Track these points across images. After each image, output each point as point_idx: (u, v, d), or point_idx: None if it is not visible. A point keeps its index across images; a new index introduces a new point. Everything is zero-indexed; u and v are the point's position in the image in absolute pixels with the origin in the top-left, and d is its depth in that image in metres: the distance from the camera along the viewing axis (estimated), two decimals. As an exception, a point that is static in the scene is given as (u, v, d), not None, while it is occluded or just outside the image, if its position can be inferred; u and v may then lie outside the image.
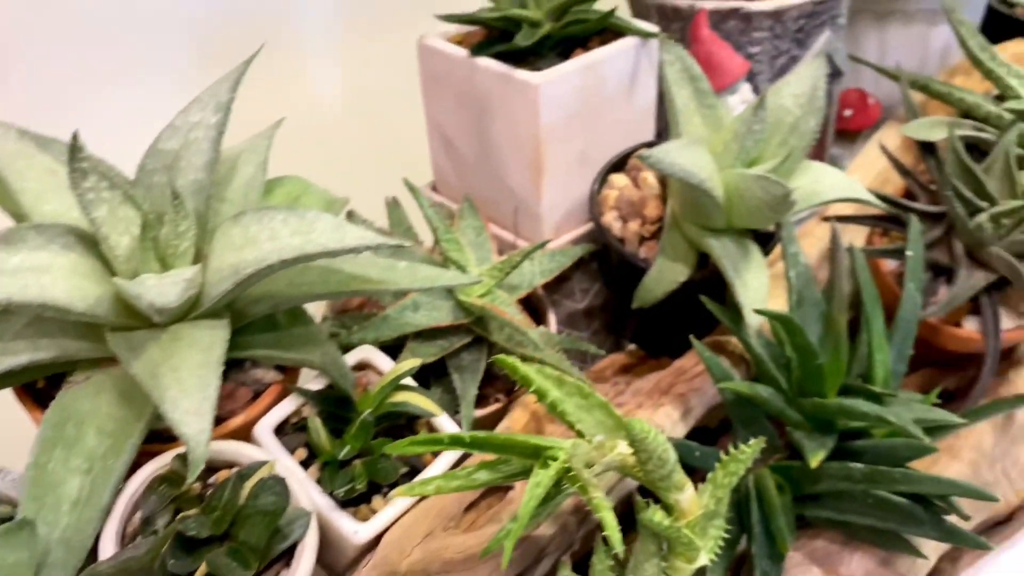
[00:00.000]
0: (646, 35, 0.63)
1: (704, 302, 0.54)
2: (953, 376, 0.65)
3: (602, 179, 0.62)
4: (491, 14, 0.60)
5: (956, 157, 0.58)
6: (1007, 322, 0.59)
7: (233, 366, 0.47)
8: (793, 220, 0.55)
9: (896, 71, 0.69)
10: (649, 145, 0.67)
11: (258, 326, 0.46)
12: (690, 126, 0.55)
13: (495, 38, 0.63)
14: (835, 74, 0.76)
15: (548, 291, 0.65)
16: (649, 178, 0.61)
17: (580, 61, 0.60)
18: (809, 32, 0.70)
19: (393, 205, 0.61)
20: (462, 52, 0.62)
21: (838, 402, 0.48)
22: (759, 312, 0.47)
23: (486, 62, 0.60)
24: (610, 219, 0.60)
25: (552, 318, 0.61)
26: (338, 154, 0.87)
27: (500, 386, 0.57)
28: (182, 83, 0.48)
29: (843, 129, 0.80)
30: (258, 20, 0.84)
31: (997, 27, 0.90)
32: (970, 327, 0.60)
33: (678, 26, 0.70)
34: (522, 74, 0.58)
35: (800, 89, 0.54)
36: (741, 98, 0.67)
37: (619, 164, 0.64)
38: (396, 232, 0.60)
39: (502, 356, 0.37)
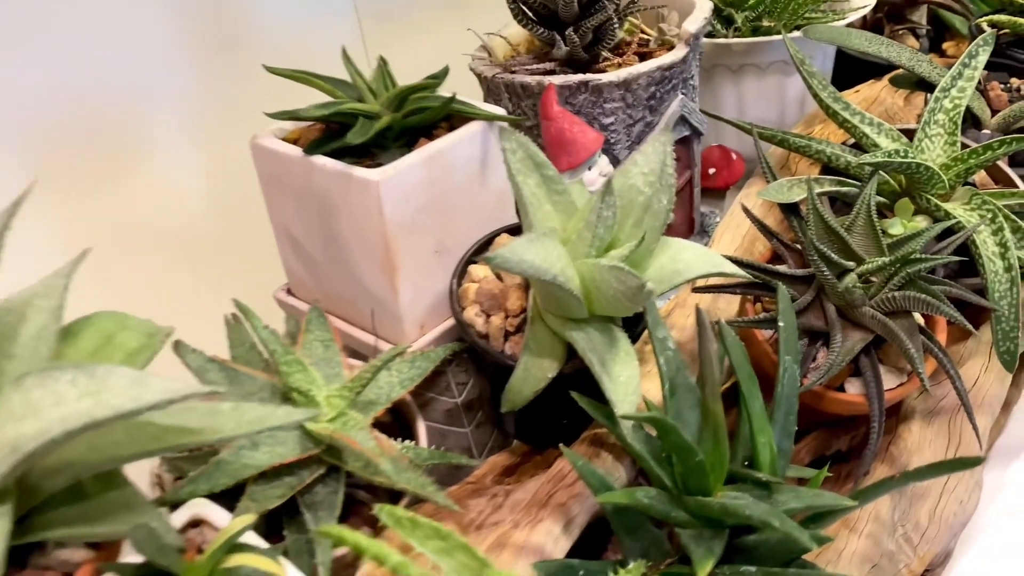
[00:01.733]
0: (491, 118, 0.60)
1: (576, 398, 0.51)
2: (846, 435, 0.63)
3: (461, 271, 0.58)
4: (323, 111, 0.56)
5: (818, 217, 0.57)
6: (889, 380, 0.57)
7: (32, 550, 0.41)
8: (659, 296, 0.52)
9: (748, 126, 0.68)
10: (511, 230, 0.64)
11: (60, 499, 0.40)
12: (540, 215, 0.51)
13: (334, 133, 0.59)
14: (695, 134, 0.74)
15: (423, 388, 0.60)
16: (510, 267, 0.57)
17: (422, 152, 0.56)
18: (661, 97, 0.68)
19: (233, 323, 0.56)
20: (297, 151, 0.57)
21: (721, 503, 0.45)
22: (625, 417, 0.43)
23: (323, 161, 0.56)
24: (471, 314, 0.56)
25: (421, 429, 0.57)
26: (194, 264, 0.81)
27: (366, 514, 0.52)
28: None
29: (709, 187, 0.79)
30: (106, 123, 0.77)
31: (849, 70, 0.92)
32: (853, 390, 0.58)
33: (529, 103, 0.68)
34: (361, 172, 0.54)
35: (649, 167, 0.52)
36: (599, 171, 0.64)
37: (478, 253, 0.60)
38: (237, 353, 0.55)
39: (325, 527, 0.32)
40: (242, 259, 0.73)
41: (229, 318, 0.57)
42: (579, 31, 0.66)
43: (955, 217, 0.62)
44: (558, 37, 0.67)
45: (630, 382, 0.49)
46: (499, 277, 0.58)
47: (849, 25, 0.83)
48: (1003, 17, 0.77)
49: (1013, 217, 0.63)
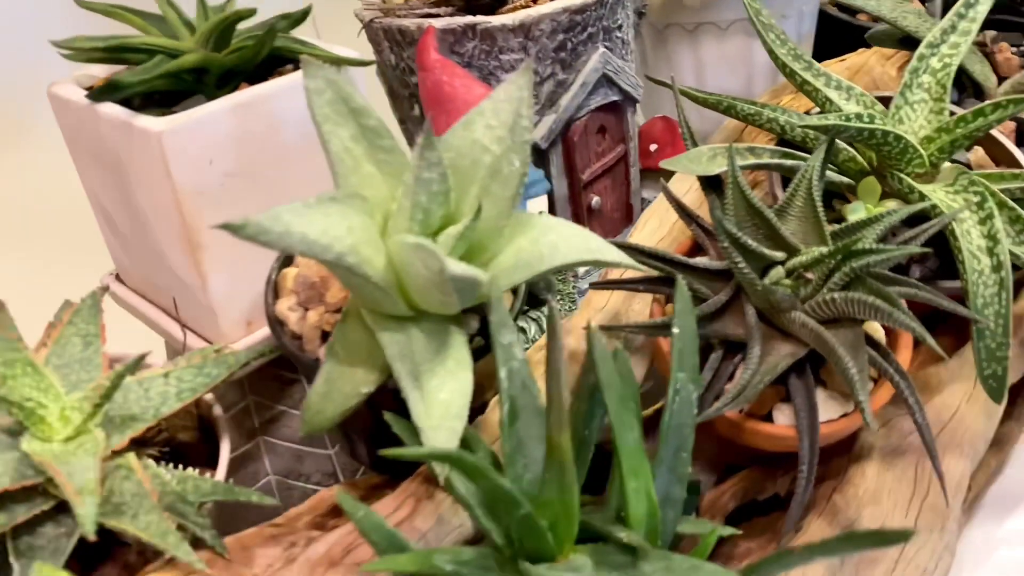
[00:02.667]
0: (336, 61, 0.48)
1: (389, 420, 0.38)
2: (785, 475, 0.50)
3: (285, 259, 0.46)
4: (102, 43, 0.44)
5: (738, 194, 0.43)
6: (832, 408, 0.44)
7: None
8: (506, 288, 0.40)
9: (669, 84, 0.54)
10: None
11: None
12: (355, 178, 0.39)
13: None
14: (627, 101, 0.61)
15: (272, 399, 0.48)
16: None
17: (231, 99, 0.44)
18: (576, 50, 0.55)
19: (-8, 310, 0.44)
20: (82, 97, 0.46)
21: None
22: (401, 456, 0.31)
23: (106, 108, 0.44)
24: (284, 308, 0.44)
25: (224, 452, 0.45)
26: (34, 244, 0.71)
27: (129, 560, 0.40)
28: None
29: (649, 168, 0.65)
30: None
31: (834, 36, 0.78)
32: (784, 419, 0.44)
33: (412, 52, 0.55)
34: (143, 120, 0.43)
35: (497, 119, 0.39)
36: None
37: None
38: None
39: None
40: (82, 240, 0.62)
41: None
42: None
43: (931, 200, 0.48)
44: (448, -28, 0.55)
45: (451, 402, 0.36)
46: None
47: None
48: (1015, -35, 0.63)
49: (1011, 204, 0.49)
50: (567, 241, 0.40)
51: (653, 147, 0.65)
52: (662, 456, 0.39)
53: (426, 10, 0.56)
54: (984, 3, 0.56)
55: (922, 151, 0.50)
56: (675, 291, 0.41)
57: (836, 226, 0.45)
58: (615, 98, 0.60)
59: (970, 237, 0.47)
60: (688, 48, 0.71)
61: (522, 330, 0.55)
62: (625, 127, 0.63)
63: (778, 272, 0.42)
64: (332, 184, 0.49)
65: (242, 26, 0.53)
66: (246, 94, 0.45)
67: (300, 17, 0.54)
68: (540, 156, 0.58)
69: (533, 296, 0.55)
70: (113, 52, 0.45)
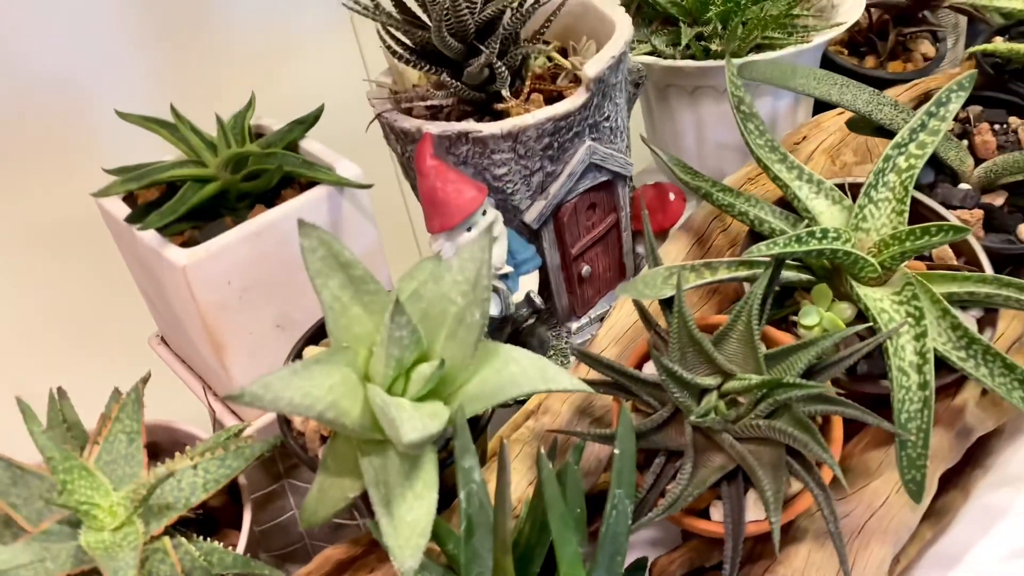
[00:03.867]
0: (337, 183, 0.54)
1: (370, 528, 0.46)
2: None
3: (297, 354, 0.54)
4: (144, 180, 0.51)
5: (681, 322, 0.49)
6: (760, 511, 0.50)
7: None
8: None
9: (663, 156, 0.59)
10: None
11: None
12: (344, 320, 0.46)
13: (172, 195, 0.54)
14: (618, 178, 0.66)
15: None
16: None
17: (244, 229, 0.51)
18: (563, 146, 0.60)
19: (54, 398, 0.53)
20: (122, 217, 0.53)
21: None
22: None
23: (140, 233, 0.52)
24: (292, 410, 0.51)
25: (246, 523, 0.53)
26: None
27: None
28: None
29: (640, 230, 0.70)
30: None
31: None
32: (718, 515, 0.51)
33: (412, 148, 0.61)
34: (171, 252, 0.50)
35: (463, 275, 0.45)
36: (478, 232, 0.58)
37: (324, 331, 0.55)
38: (53, 433, 0.52)
39: None
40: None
41: (54, 391, 0.54)
42: (468, 72, 0.58)
43: (873, 311, 0.53)
44: (447, 77, 0.60)
45: (417, 523, 0.44)
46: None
47: (828, 44, 0.72)
48: (1000, 46, 0.64)
49: (953, 312, 0.54)
50: (525, 373, 0.47)
51: (645, 213, 0.70)
52: (600, 560, 0.46)
53: (428, 101, 0.62)
54: (956, 101, 0.59)
55: (873, 261, 0.54)
56: (620, 416, 0.47)
57: (791, 338, 0.51)
58: (605, 179, 0.65)
59: (903, 353, 0.52)
60: (688, 107, 0.75)
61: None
62: (616, 200, 0.68)
63: (711, 400, 0.48)
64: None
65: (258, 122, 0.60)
66: (257, 222, 0.52)
67: (312, 121, 0.60)
68: (533, 235, 0.64)
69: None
70: (146, 184, 0.52)
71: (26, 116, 0.69)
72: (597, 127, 0.62)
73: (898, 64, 0.82)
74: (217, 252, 0.50)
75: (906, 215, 0.57)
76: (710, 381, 0.48)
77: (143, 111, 0.58)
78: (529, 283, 0.64)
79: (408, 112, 0.63)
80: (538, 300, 0.62)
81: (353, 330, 0.46)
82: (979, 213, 0.62)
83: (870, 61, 0.82)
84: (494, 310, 0.59)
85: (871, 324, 0.54)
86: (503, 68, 0.59)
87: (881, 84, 0.78)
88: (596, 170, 0.64)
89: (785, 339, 0.54)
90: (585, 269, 0.68)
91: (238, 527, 0.55)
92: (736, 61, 0.65)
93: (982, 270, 0.59)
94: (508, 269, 0.61)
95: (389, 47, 0.59)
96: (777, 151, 0.61)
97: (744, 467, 0.48)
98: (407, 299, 0.45)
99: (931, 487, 0.56)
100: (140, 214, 0.53)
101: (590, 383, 0.52)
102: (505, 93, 0.61)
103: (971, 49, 0.66)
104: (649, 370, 0.55)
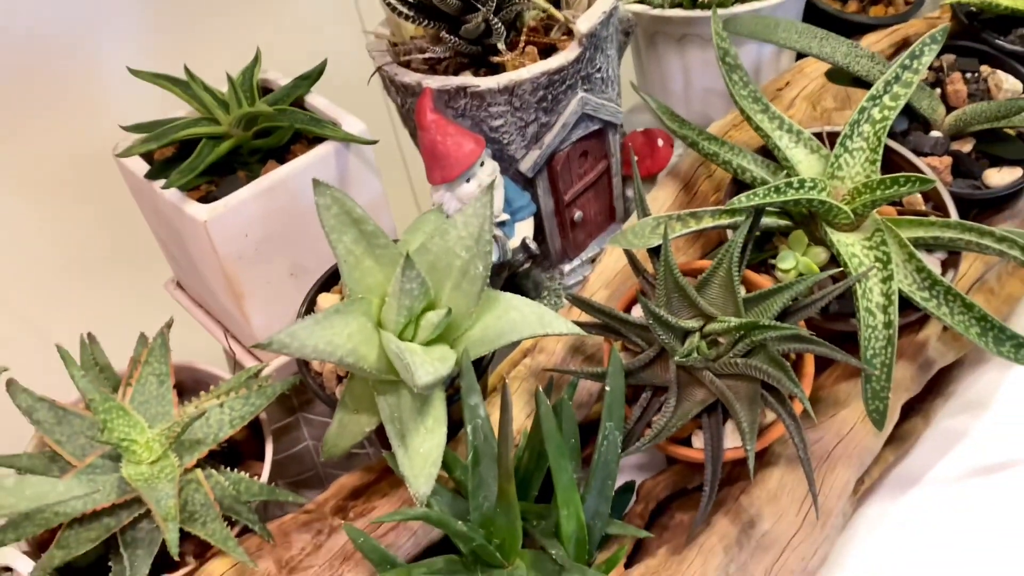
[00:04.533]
0: (345, 139, 0.57)
1: (387, 458, 0.51)
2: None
3: (310, 301, 0.58)
4: (159, 140, 0.54)
5: (667, 269, 0.53)
6: (737, 439, 0.55)
7: None
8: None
9: (650, 102, 0.62)
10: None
11: None
12: (357, 273, 0.50)
13: (187, 151, 0.57)
14: (609, 126, 0.69)
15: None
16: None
17: (258, 185, 0.55)
18: (556, 98, 0.63)
19: (85, 343, 0.57)
20: (141, 174, 0.56)
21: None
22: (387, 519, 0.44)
23: (160, 189, 0.55)
24: (308, 351, 0.56)
25: (268, 454, 0.58)
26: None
27: (190, 546, 0.54)
28: None
29: (630, 175, 0.74)
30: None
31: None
32: (699, 443, 0.56)
33: (413, 102, 0.64)
34: (191, 208, 0.53)
35: (467, 231, 0.49)
36: (478, 183, 0.61)
37: (333, 279, 0.59)
38: (87, 375, 0.56)
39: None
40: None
41: (84, 337, 0.58)
42: (466, 27, 0.61)
43: (844, 256, 0.57)
44: (445, 32, 0.62)
45: (429, 454, 0.49)
46: (344, 310, 0.57)
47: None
48: (975, -4, 0.67)
49: (919, 256, 0.58)
50: (525, 319, 0.51)
51: (635, 159, 0.73)
52: (592, 485, 0.51)
53: (426, 52, 0.64)
54: (929, 54, 0.62)
55: (846, 208, 0.58)
56: (610, 353, 0.52)
57: (769, 281, 0.55)
58: (596, 127, 0.68)
59: (871, 295, 0.56)
60: (675, 54, 0.77)
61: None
62: (607, 147, 0.71)
63: (693, 341, 0.52)
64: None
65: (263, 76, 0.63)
66: (270, 178, 0.55)
67: (316, 76, 0.62)
68: (528, 183, 0.68)
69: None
70: (165, 143, 0.55)
71: (33, 70, 0.71)
72: (589, 79, 0.65)
73: (880, 8, 0.84)
74: (235, 207, 0.53)
75: (879, 164, 0.61)
76: (693, 324, 0.53)
77: (137, 60, 0.60)
78: (525, 229, 0.67)
79: (407, 65, 0.65)
80: (533, 245, 0.66)
81: (366, 281, 0.50)
82: (948, 160, 0.66)
83: (852, 5, 0.84)
84: (492, 256, 0.63)
85: (843, 268, 0.58)
86: (499, 23, 0.61)
87: (862, 29, 0.81)
88: (588, 120, 0.67)
89: (764, 282, 0.59)
90: (577, 214, 0.72)
91: (260, 458, 0.60)
92: (722, 12, 0.68)
93: (948, 215, 0.63)
94: (505, 217, 0.65)
95: (388, 2, 0.61)
96: (760, 101, 0.64)
97: (723, 401, 0.53)
98: (415, 252, 0.49)
99: (893, 415, 0.61)
100: (159, 171, 0.56)
101: (582, 325, 0.56)
102: (501, 47, 0.63)
103: (944, 2, 0.68)
104: (637, 313, 0.59)
